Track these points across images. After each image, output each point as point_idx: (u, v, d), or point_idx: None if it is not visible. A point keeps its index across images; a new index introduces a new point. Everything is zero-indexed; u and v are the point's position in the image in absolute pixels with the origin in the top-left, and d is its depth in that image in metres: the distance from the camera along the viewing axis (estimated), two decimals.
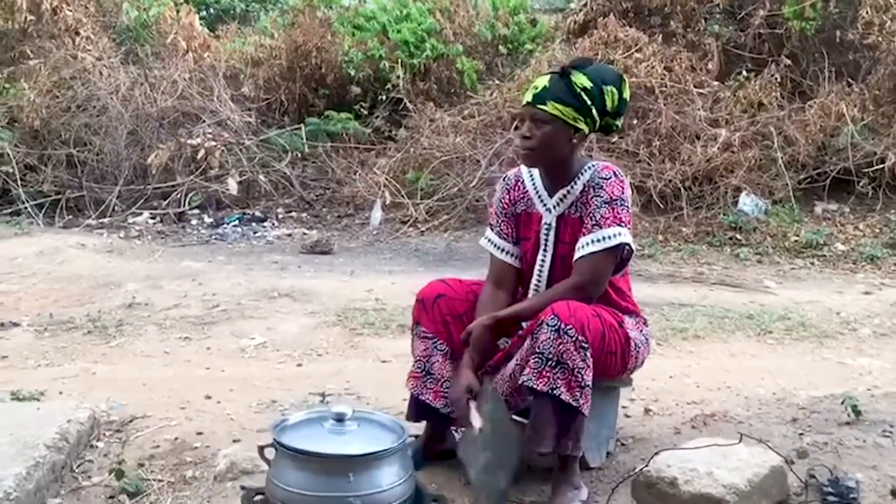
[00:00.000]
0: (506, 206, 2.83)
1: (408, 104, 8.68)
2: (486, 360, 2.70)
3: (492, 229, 2.87)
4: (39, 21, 8.67)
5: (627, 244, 2.62)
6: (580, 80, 2.59)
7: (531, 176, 2.80)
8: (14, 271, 5.79)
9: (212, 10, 13.08)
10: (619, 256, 2.64)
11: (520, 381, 2.50)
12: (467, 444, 2.57)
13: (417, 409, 2.82)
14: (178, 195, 7.85)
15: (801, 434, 2.97)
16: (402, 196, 7.65)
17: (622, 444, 3.01)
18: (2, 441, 2.76)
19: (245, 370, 4.02)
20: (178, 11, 9.15)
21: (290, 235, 7.33)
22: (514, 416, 2.64)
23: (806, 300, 5.22)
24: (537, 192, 2.77)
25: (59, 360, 4.20)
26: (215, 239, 7.21)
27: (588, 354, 2.46)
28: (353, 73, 9.14)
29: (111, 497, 2.74)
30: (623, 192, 2.63)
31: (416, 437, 2.89)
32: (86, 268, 5.88)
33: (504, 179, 2.88)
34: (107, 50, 8.67)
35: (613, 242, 2.58)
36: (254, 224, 7.63)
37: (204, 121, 8.36)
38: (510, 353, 2.63)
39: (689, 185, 7.23)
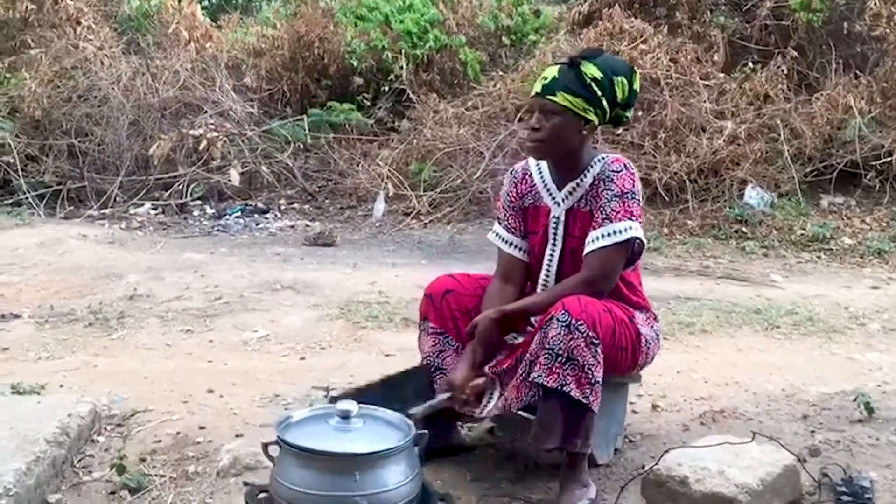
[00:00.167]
0: (513, 199, 2.79)
1: (411, 95, 8.62)
2: (492, 355, 2.66)
3: (499, 223, 2.82)
4: (40, 10, 8.61)
5: (638, 238, 2.57)
6: (590, 70, 2.54)
7: (539, 169, 2.75)
8: (15, 262, 5.75)
9: (214, 0, 13.01)
10: (629, 251, 2.60)
11: (529, 378, 2.46)
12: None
13: None
14: (180, 186, 7.80)
15: (812, 431, 2.93)
16: (405, 188, 7.59)
17: (630, 441, 2.98)
18: (2, 435, 2.73)
19: (248, 363, 3.98)
20: (179, 1, 9.08)
21: (292, 227, 7.28)
22: (521, 413, 2.60)
23: (813, 294, 5.17)
24: (545, 186, 2.72)
25: (60, 352, 4.17)
26: (217, 230, 7.16)
27: (599, 350, 2.42)
28: (355, 63, 9.08)
29: (112, 493, 2.71)
30: (634, 186, 2.58)
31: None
32: (87, 259, 5.83)
33: (511, 172, 2.84)
34: (108, 39, 8.60)
35: (624, 237, 2.54)
36: (256, 215, 7.58)
37: (206, 111, 8.30)
38: (521, 355, 2.58)
39: (695, 178, 7.17)
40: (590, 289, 2.52)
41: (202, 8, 9.71)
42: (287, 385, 3.61)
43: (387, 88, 8.98)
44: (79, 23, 8.55)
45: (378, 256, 6.25)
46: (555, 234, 2.69)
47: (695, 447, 2.47)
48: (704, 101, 7.47)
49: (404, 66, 8.79)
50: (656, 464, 2.43)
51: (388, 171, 7.75)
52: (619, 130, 7.20)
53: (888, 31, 7.33)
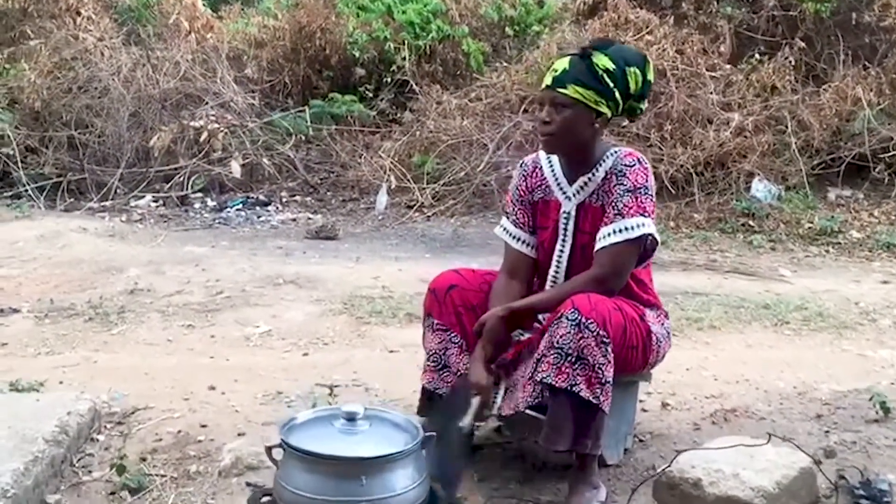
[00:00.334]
0: (522, 193, 2.72)
1: (413, 86, 8.54)
2: (500, 352, 2.60)
3: (507, 217, 2.76)
4: (40, 0, 8.52)
5: (651, 235, 2.51)
6: (602, 61, 2.47)
7: (550, 162, 2.68)
8: (14, 256, 5.69)
9: None
10: (642, 248, 2.53)
11: (538, 378, 2.40)
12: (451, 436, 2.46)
13: (429, 404, 2.72)
14: (181, 178, 7.73)
15: (827, 432, 2.87)
16: (408, 180, 7.52)
17: (640, 441, 2.92)
18: (0, 435, 2.67)
19: (250, 359, 3.92)
20: None
21: (294, 220, 7.22)
22: (530, 412, 2.54)
23: (822, 289, 5.10)
24: (556, 180, 2.65)
25: (60, 347, 4.11)
26: (218, 223, 7.10)
27: (609, 350, 2.36)
28: (357, 54, 8.99)
29: (112, 493, 2.66)
30: (647, 181, 2.51)
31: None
32: (87, 252, 5.77)
33: (521, 165, 2.77)
34: (108, 30, 8.51)
35: (636, 233, 2.47)
36: (257, 208, 7.52)
37: (207, 103, 8.22)
38: (527, 348, 2.53)
39: (701, 171, 7.10)
40: (600, 287, 2.46)
41: None
42: (290, 382, 3.56)
43: (389, 80, 8.90)
44: (79, 13, 8.46)
45: (381, 250, 6.19)
46: (565, 229, 2.62)
47: (708, 449, 2.40)
48: (711, 93, 7.39)
49: (407, 57, 8.71)
50: (669, 466, 2.37)
51: (391, 163, 7.68)
52: (625, 122, 7.13)
53: None
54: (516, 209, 2.72)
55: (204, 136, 7.80)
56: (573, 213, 2.61)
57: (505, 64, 8.60)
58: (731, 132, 7.13)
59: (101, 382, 3.51)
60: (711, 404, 3.25)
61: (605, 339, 2.35)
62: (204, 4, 9.38)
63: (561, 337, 2.34)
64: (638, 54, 2.58)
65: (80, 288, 5.04)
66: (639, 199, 2.48)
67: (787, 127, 7.21)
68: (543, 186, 2.68)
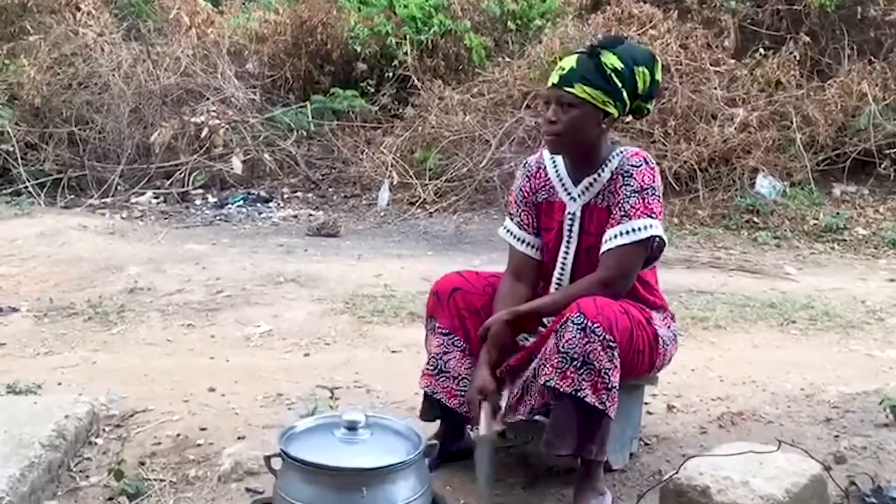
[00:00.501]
0: (526, 194, 2.67)
1: (415, 81, 8.48)
2: (505, 357, 2.56)
3: (511, 219, 2.70)
4: None
5: (658, 237, 2.45)
6: (610, 60, 2.42)
7: (554, 162, 2.63)
8: (14, 253, 5.65)
9: None
10: (648, 250, 2.48)
11: (541, 382, 2.35)
12: (478, 448, 2.45)
13: (433, 409, 2.68)
14: (182, 174, 7.69)
15: (836, 436, 2.82)
16: (410, 176, 7.47)
17: (646, 445, 2.87)
18: None
19: (250, 360, 3.88)
20: None
21: (295, 217, 7.17)
22: (537, 417, 2.50)
23: (829, 287, 5.06)
24: (560, 180, 2.60)
25: (59, 347, 4.08)
26: (219, 220, 7.05)
27: (616, 354, 2.32)
28: (359, 49, 8.93)
29: (110, 499, 2.62)
30: (654, 181, 2.46)
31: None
32: (87, 250, 5.73)
33: (524, 166, 2.72)
34: (108, 25, 8.46)
35: (643, 235, 2.42)
36: (259, 204, 7.47)
37: (208, 98, 8.17)
38: (532, 354, 2.48)
39: (705, 167, 7.05)
40: (606, 289, 2.41)
41: None
42: (290, 383, 3.51)
43: (391, 74, 8.84)
44: (78, 8, 8.41)
45: (383, 247, 6.15)
46: (570, 231, 2.57)
47: (716, 455, 2.35)
48: (715, 88, 7.34)
49: (408, 52, 8.65)
50: (676, 472, 2.32)
51: (393, 159, 7.63)
52: (628, 118, 7.06)
53: None
54: (520, 210, 2.67)
55: (205, 132, 7.77)
56: (578, 214, 2.56)
57: (507, 59, 8.54)
58: (735, 128, 7.08)
59: (99, 384, 3.47)
60: (718, 407, 3.21)
61: (611, 344, 2.30)
62: None
63: (566, 341, 2.30)
64: (647, 53, 2.53)
65: (80, 287, 5.00)
66: (646, 200, 2.43)
67: (791, 122, 7.16)
68: (547, 187, 2.63)
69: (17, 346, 4.08)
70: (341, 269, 5.29)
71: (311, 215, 7.18)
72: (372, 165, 7.78)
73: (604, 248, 2.46)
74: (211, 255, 5.64)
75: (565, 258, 2.58)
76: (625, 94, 2.44)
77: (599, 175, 2.51)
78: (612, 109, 2.44)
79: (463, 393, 2.58)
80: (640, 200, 2.43)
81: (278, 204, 7.56)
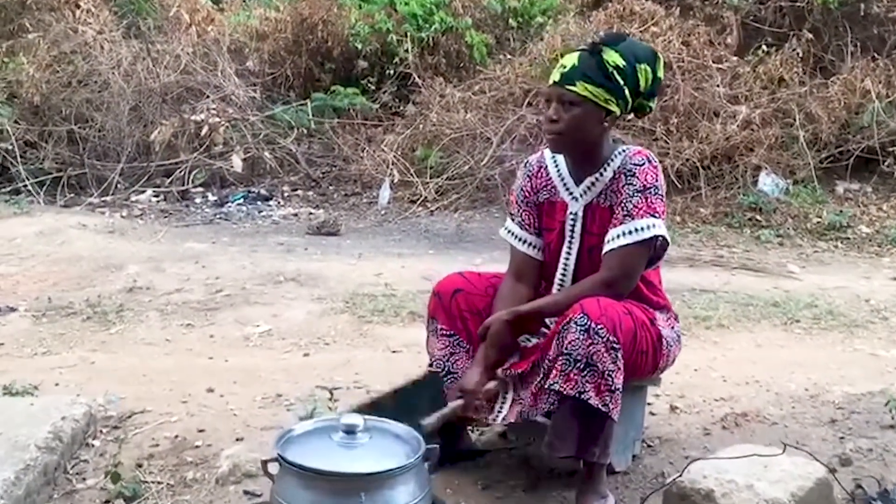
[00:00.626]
0: (527, 194, 2.63)
1: (416, 79, 8.44)
2: (505, 358, 2.53)
3: (512, 219, 2.67)
4: None
5: (662, 236, 2.42)
6: (612, 57, 2.38)
7: (555, 162, 2.60)
8: (13, 252, 5.62)
9: None
10: (652, 250, 2.45)
11: (545, 385, 2.32)
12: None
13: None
14: (182, 173, 7.65)
15: (841, 438, 2.78)
16: (411, 174, 7.44)
17: (649, 446, 2.84)
18: None
19: (249, 360, 3.85)
20: None
21: (296, 215, 7.14)
22: (538, 419, 2.47)
23: (832, 286, 5.02)
24: (562, 180, 2.57)
25: (57, 347, 4.05)
26: (219, 218, 7.02)
27: (619, 356, 2.28)
28: (359, 46, 8.89)
29: (107, 501, 2.60)
30: (657, 180, 2.43)
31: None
32: (86, 249, 5.70)
33: (525, 165, 2.68)
34: (108, 23, 8.41)
35: (646, 235, 2.39)
36: (259, 203, 7.44)
37: (208, 96, 8.13)
38: (537, 360, 2.44)
39: (708, 164, 7.01)
40: (609, 290, 2.37)
41: None
42: (290, 384, 3.49)
43: (392, 72, 8.80)
44: (78, 6, 8.36)
45: (384, 246, 6.11)
46: (572, 231, 2.54)
47: (720, 458, 2.32)
48: (717, 86, 7.29)
49: (409, 49, 8.61)
50: (679, 475, 2.29)
51: (394, 156, 7.59)
52: (630, 115, 7.02)
53: None
54: (521, 210, 2.64)
55: (205, 130, 7.73)
56: (580, 214, 2.52)
57: (508, 56, 8.49)
58: (737, 125, 7.04)
59: (97, 384, 3.45)
60: (721, 407, 3.17)
61: (615, 345, 2.27)
62: None
63: (569, 343, 2.26)
64: (649, 50, 2.49)
65: (79, 286, 4.97)
66: (648, 200, 2.40)
67: (794, 120, 7.11)
68: (549, 187, 2.59)
69: (15, 346, 4.06)
70: (341, 268, 5.26)
71: (311, 214, 7.15)
72: (373, 163, 7.75)
73: (606, 248, 2.42)
74: (211, 254, 5.61)
75: (567, 259, 2.55)
76: (627, 91, 2.40)
77: (602, 174, 2.48)
78: (613, 107, 2.41)
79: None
80: (643, 200, 2.39)
81: (278, 202, 7.53)
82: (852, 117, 7.15)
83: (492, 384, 2.50)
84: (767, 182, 6.87)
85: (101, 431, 3.02)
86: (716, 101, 7.24)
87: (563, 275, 2.56)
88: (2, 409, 2.95)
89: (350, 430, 1.96)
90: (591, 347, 2.24)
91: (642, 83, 2.42)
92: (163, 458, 2.85)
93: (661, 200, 2.43)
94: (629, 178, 2.42)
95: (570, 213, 2.54)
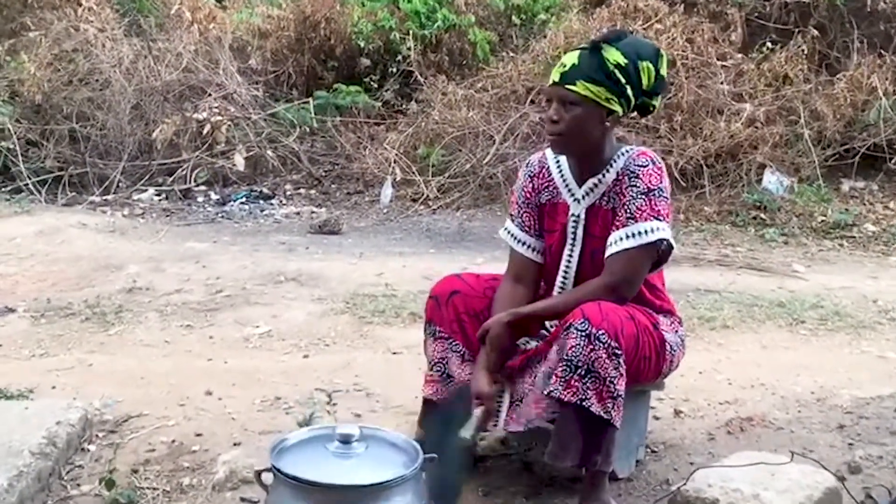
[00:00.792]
0: (528, 195, 2.58)
1: (419, 77, 8.39)
2: (505, 360, 2.48)
3: (512, 220, 2.62)
4: None
5: (666, 240, 2.37)
6: (613, 55, 2.33)
7: (557, 162, 2.54)
8: (12, 252, 5.58)
9: None
10: (656, 253, 2.39)
11: (545, 391, 2.27)
12: (456, 449, 2.34)
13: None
14: (184, 171, 7.61)
15: (850, 444, 2.73)
16: (413, 172, 7.39)
17: (653, 452, 2.79)
18: None
19: (248, 362, 3.81)
20: None
21: (298, 214, 7.10)
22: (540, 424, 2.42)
23: (838, 286, 4.95)
24: (564, 181, 2.52)
25: (55, 349, 4.01)
26: (221, 217, 6.98)
27: (621, 362, 2.24)
28: (362, 44, 8.85)
29: None
30: (661, 181, 2.37)
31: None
32: (86, 248, 5.66)
33: (527, 165, 2.63)
34: (109, 21, 8.36)
35: (650, 238, 2.33)
36: (261, 202, 7.40)
37: (210, 94, 8.09)
38: (533, 357, 2.40)
39: (712, 163, 6.94)
40: (611, 294, 2.33)
41: None
42: (289, 386, 3.45)
43: (394, 70, 8.75)
44: (79, 4, 8.30)
45: (385, 245, 6.07)
46: (574, 233, 2.49)
47: (726, 466, 2.27)
48: (721, 83, 7.23)
49: (412, 47, 8.56)
50: (684, 483, 2.24)
51: (396, 155, 7.54)
52: (633, 113, 6.96)
53: None
54: (521, 212, 2.59)
55: (207, 128, 7.68)
56: (582, 216, 2.47)
57: (511, 54, 8.43)
58: (742, 123, 6.97)
59: (94, 387, 3.41)
60: (726, 411, 3.12)
61: (616, 351, 2.22)
62: None
63: (570, 349, 2.22)
64: (651, 47, 2.43)
65: (78, 286, 4.93)
66: (652, 202, 2.35)
67: (799, 117, 7.05)
68: (550, 188, 2.54)
69: (13, 348, 4.02)
70: (342, 268, 5.21)
71: (313, 212, 7.10)
72: (375, 162, 7.70)
73: (609, 251, 2.37)
74: (211, 254, 5.57)
75: (569, 262, 2.50)
76: (629, 90, 2.35)
77: (604, 176, 2.43)
78: (615, 107, 2.36)
79: None
80: (647, 202, 2.34)
81: (281, 201, 7.49)
82: (858, 114, 7.08)
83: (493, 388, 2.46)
84: (772, 180, 6.81)
85: (97, 436, 2.99)
86: (720, 98, 7.18)
87: (565, 278, 2.51)
88: None
89: (346, 440, 1.92)
90: (592, 353, 2.20)
91: (644, 81, 2.37)
92: (159, 464, 2.81)
93: (666, 203, 2.38)
94: (632, 179, 2.37)
95: (572, 215, 2.49)
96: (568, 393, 2.22)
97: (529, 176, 2.59)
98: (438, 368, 2.56)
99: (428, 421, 2.56)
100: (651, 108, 2.47)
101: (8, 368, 3.68)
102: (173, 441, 2.94)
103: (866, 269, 5.53)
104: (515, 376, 2.47)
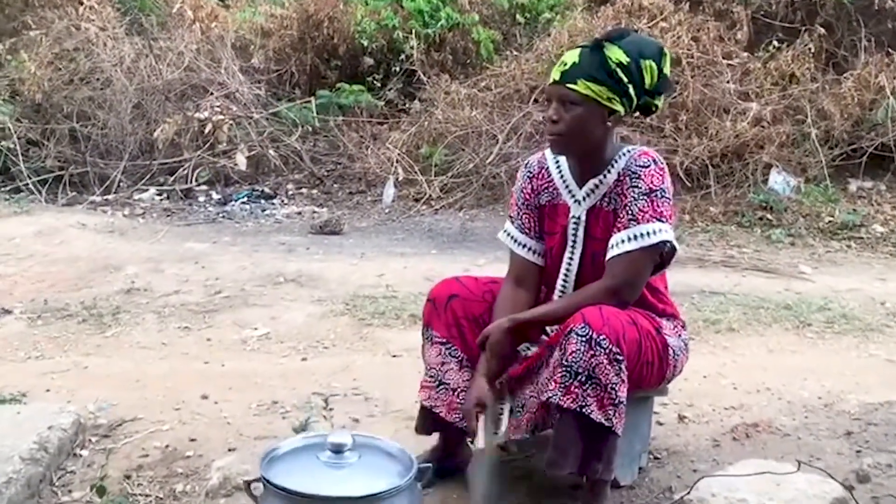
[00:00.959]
0: (527, 196, 2.52)
1: (422, 76, 8.33)
2: (505, 367, 2.42)
3: (511, 222, 2.56)
4: None
5: (669, 242, 2.30)
6: (615, 54, 2.26)
7: (557, 163, 2.48)
8: (11, 253, 5.53)
9: None
10: (658, 256, 2.33)
11: (545, 398, 2.21)
12: (475, 463, 2.31)
13: (429, 422, 2.55)
14: (185, 171, 7.57)
15: (858, 452, 2.66)
16: (416, 172, 7.33)
17: (656, 458, 2.73)
18: None
19: (246, 365, 3.76)
20: None
21: (299, 214, 7.05)
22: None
23: (845, 288, 4.88)
24: (564, 182, 2.45)
25: (51, 351, 3.97)
26: (222, 217, 6.93)
27: (623, 368, 2.17)
28: (365, 43, 8.80)
29: None
30: (664, 182, 2.31)
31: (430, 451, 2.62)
32: (85, 249, 5.61)
33: (526, 166, 2.57)
34: (111, 20, 8.32)
35: (652, 240, 2.27)
36: (262, 201, 7.35)
37: (212, 94, 8.04)
38: (534, 365, 2.34)
39: (717, 162, 6.87)
40: (613, 298, 2.26)
41: None
42: (286, 390, 3.39)
43: (397, 69, 8.70)
44: (81, 3, 8.27)
45: (387, 245, 6.01)
46: (574, 235, 2.43)
47: (731, 475, 2.21)
48: (727, 82, 7.15)
49: (415, 46, 8.50)
50: (688, 493, 2.18)
51: (398, 154, 7.49)
52: (636, 112, 6.88)
53: None
54: (521, 213, 2.53)
55: (209, 127, 7.63)
56: (583, 217, 2.41)
57: (515, 53, 8.37)
58: (748, 122, 6.89)
59: (89, 391, 3.36)
60: (731, 417, 3.06)
61: (618, 357, 2.16)
62: None
63: (570, 354, 2.15)
64: (654, 45, 2.37)
65: (76, 287, 4.88)
66: (655, 203, 2.28)
67: (806, 116, 6.96)
68: (550, 189, 2.48)
69: (9, 350, 3.97)
70: (343, 269, 5.16)
71: (315, 212, 7.05)
72: (377, 161, 7.64)
73: (610, 254, 2.31)
74: (211, 254, 5.52)
75: (570, 264, 2.44)
76: (631, 89, 2.28)
77: (605, 176, 2.37)
78: (617, 106, 2.29)
79: (461, 406, 2.44)
80: (649, 203, 2.28)
81: (282, 200, 7.43)
82: (866, 114, 6.99)
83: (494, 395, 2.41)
84: (778, 180, 6.74)
85: (90, 440, 2.94)
86: (726, 97, 7.10)
87: (565, 281, 2.45)
88: None
89: (338, 450, 1.86)
90: (592, 359, 2.14)
91: (647, 80, 2.30)
92: (152, 469, 2.77)
93: (669, 204, 2.31)
94: (634, 180, 2.31)
95: (573, 216, 2.43)
96: (567, 399, 2.16)
97: (529, 177, 2.53)
98: (433, 374, 2.50)
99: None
100: (654, 108, 2.40)
101: (2, 371, 3.63)
102: (167, 446, 2.90)
103: (874, 271, 5.45)
104: (517, 387, 2.40)
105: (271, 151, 7.85)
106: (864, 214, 6.45)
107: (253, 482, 1.86)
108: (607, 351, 2.14)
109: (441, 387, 2.46)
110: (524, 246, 2.52)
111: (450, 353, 2.47)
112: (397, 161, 7.43)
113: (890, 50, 7.28)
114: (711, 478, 2.23)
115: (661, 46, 2.38)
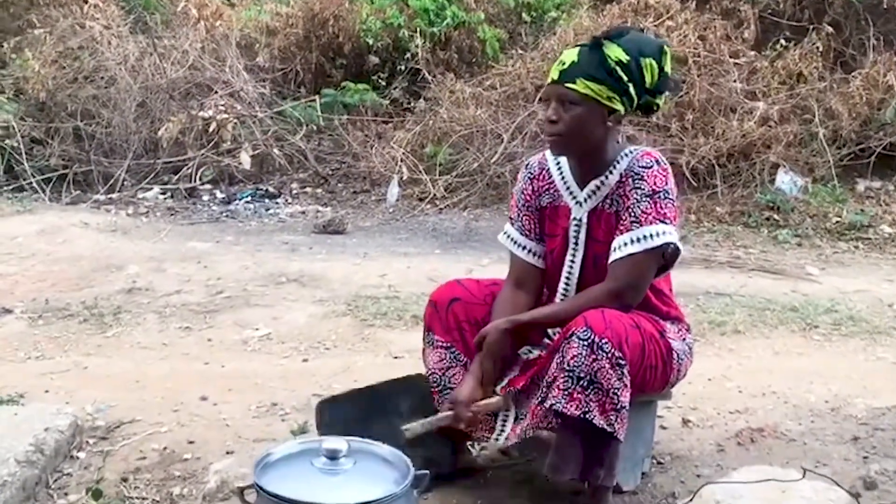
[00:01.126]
0: (528, 198, 2.48)
1: (427, 75, 8.30)
2: (503, 370, 2.39)
3: (512, 224, 2.53)
4: None
5: (673, 244, 2.26)
6: (614, 52, 2.23)
7: (558, 164, 2.45)
8: (13, 252, 5.52)
9: None
10: (662, 258, 2.29)
11: (548, 405, 2.17)
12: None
13: None
14: (189, 170, 7.55)
15: (865, 458, 2.62)
16: (420, 171, 7.29)
17: (659, 463, 2.70)
18: None
19: (246, 365, 3.74)
20: None
21: (303, 213, 7.02)
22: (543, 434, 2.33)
23: (853, 289, 4.83)
24: (565, 183, 2.42)
25: (51, 351, 3.95)
26: (226, 216, 6.91)
27: (625, 372, 2.14)
28: (371, 42, 8.76)
29: None
30: (667, 183, 2.27)
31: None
32: (87, 248, 5.59)
33: (526, 167, 2.53)
34: (115, 18, 8.29)
35: (656, 242, 2.23)
36: (266, 200, 7.32)
37: (216, 92, 8.00)
38: (536, 375, 2.29)
39: (724, 162, 6.82)
40: (616, 301, 2.22)
41: None
42: (286, 392, 3.37)
43: (402, 68, 8.66)
44: (85, 1, 8.26)
45: (390, 245, 5.98)
46: (576, 238, 2.39)
47: (735, 482, 2.17)
48: (734, 81, 7.09)
49: (421, 45, 8.46)
50: (691, 499, 2.14)
51: (403, 153, 7.45)
52: (637, 112, 6.83)
53: None
54: (521, 215, 2.49)
55: (213, 126, 7.61)
56: (585, 219, 2.37)
57: (521, 52, 8.33)
58: (755, 122, 6.83)
59: (88, 391, 3.35)
60: (736, 421, 3.02)
61: (620, 361, 2.12)
62: None
63: (572, 359, 2.12)
64: (654, 43, 2.32)
65: (77, 286, 4.86)
66: (658, 205, 2.24)
67: (814, 116, 6.91)
68: (551, 190, 2.44)
69: (9, 350, 3.95)
70: (345, 269, 5.12)
71: (318, 211, 7.02)
72: (382, 160, 7.61)
73: (613, 256, 2.27)
74: (213, 254, 5.49)
75: (571, 267, 2.40)
76: (631, 88, 2.24)
77: (607, 178, 2.33)
78: (617, 105, 2.25)
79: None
80: (652, 205, 2.24)
81: (286, 200, 7.41)
82: (874, 113, 6.93)
83: (492, 400, 2.36)
84: (785, 180, 6.68)
85: (87, 442, 2.92)
86: (732, 96, 7.05)
87: (567, 284, 2.41)
88: None
89: (333, 456, 1.82)
90: (594, 364, 2.10)
91: (647, 79, 2.26)
92: (149, 472, 2.75)
93: (672, 205, 2.27)
94: (636, 181, 2.27)
95: (574, 218, 2.39)
96: (570, 406, 2.12)
97: (529, 178, 2.49)
98: (436, 378, 2.46)
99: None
100: (655, 107, 2.36)
101: (2, 371, 3.61)
102: (165, 448, 2.87)
103: (882, 272, 5.40)
104: (521, 398, 2.36)
105: (275, 150, 7.82)
106: (872, 215, 6.39)
107: (246, 489, 1.83)
108: (609, 355, 2.11)
109: (446, 391, 2.42)
110: (524, 248, 2.49)
111: (454, 357, 2.44)
112: (402, 160, 7.39)
113: None
114: (715, 484, 2.19)
115: (662, 44, 2.34)
